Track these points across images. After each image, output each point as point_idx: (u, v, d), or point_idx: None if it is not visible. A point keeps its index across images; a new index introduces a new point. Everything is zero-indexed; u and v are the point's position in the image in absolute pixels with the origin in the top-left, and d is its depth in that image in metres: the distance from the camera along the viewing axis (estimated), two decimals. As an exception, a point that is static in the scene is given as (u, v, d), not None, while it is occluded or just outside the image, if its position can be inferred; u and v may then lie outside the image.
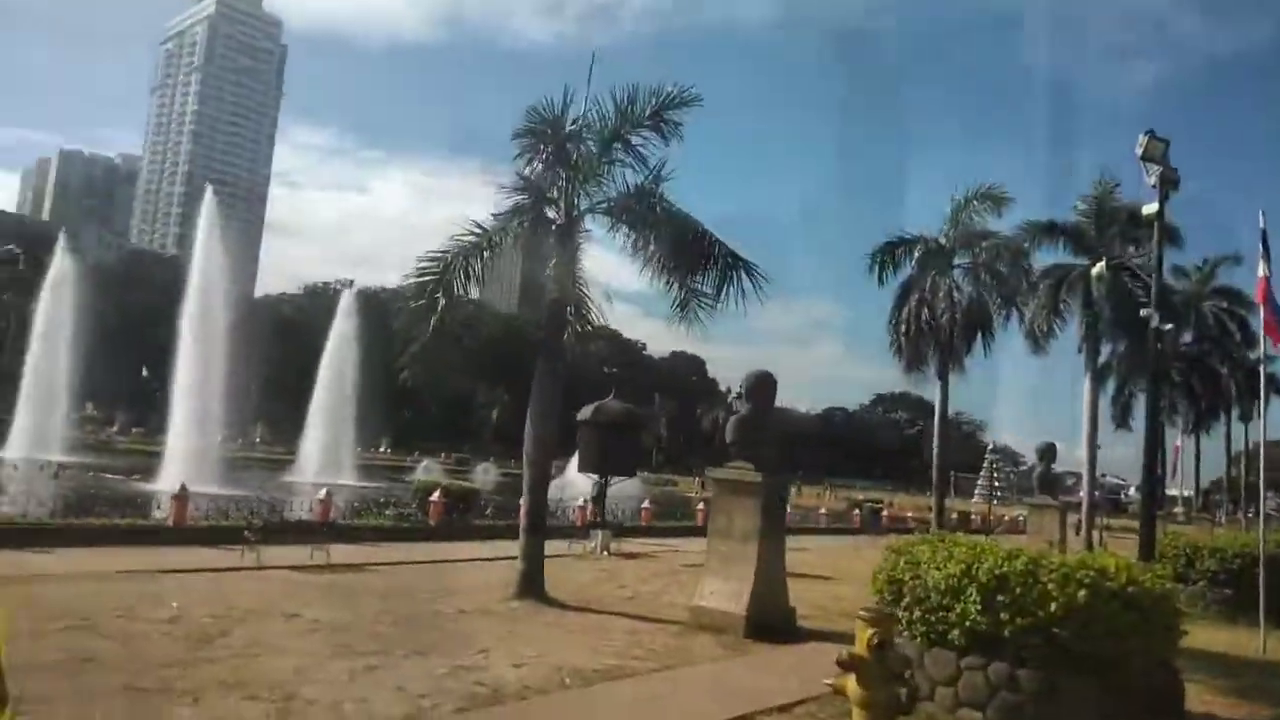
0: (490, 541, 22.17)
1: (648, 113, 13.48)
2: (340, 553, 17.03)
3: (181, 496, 18.48)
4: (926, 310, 25.06)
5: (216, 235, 38.73)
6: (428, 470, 61.91)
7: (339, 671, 8.03)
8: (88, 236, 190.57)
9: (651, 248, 13.05)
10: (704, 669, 9.19)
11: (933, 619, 7.60)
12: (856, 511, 43.34)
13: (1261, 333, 18.03)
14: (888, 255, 26.20)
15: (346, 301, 53.96)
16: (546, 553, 21.09)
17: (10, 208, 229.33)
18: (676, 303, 13.80)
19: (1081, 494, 41.02)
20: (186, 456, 34.34)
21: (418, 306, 13.62)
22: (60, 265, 50.84)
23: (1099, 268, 14.62)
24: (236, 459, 52.07)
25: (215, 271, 37.80)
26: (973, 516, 48.95)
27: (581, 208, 13.54)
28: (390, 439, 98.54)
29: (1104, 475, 45.79)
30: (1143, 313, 13.30)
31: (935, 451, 26.46)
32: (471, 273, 13.70)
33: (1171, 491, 67.16)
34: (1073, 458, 41.67)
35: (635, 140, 13.58)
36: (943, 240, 25.93)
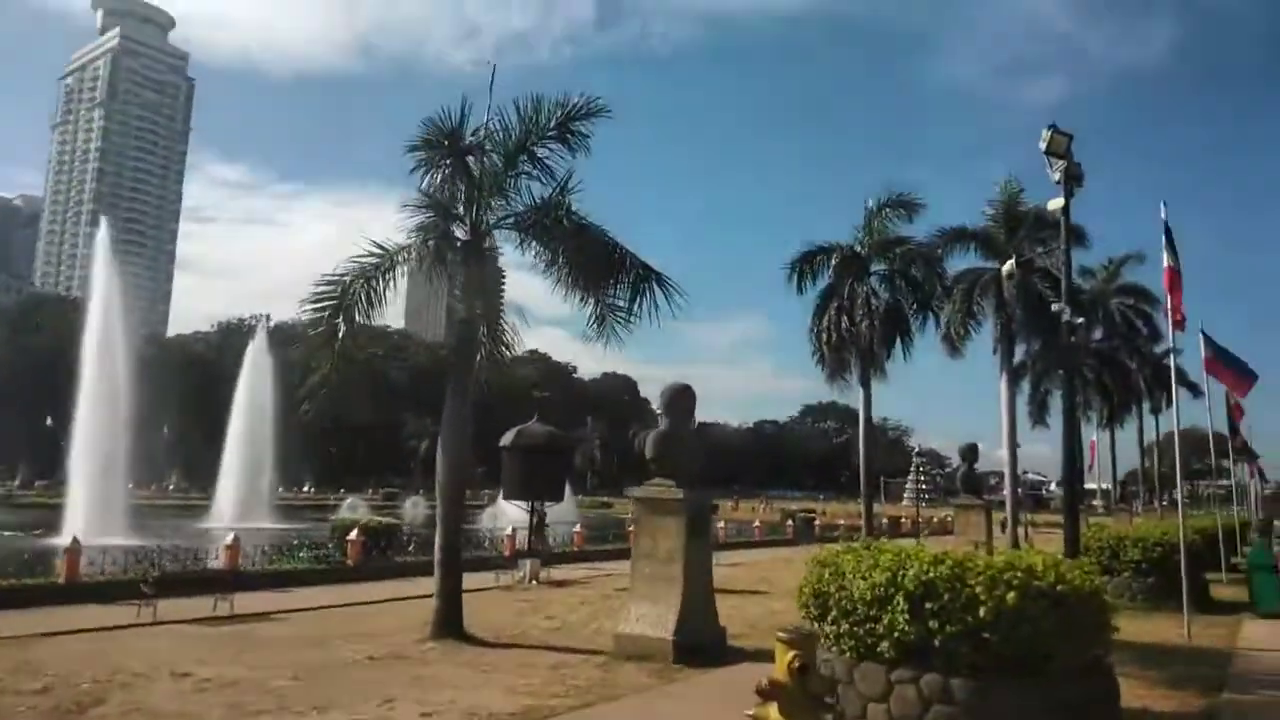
0: (413, 579, 21.26)
1: (553, 124, 13.06)
2: (248, 601, 16.07)
3: (73, 550, 17.22)
4: (846, 318, 25.09)
5: (114, 271, 36.94)
6: (353, 508, 59.94)
7: (223, 736, 7.29)
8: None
9: (561, 262, 12.59)
10: (628, 703, 8.67)
11: (860, 631, 7.24)
12: (789, 523, 43.32)
13: (1170, 324, 18.53)
14: (806, 264, 26.19)
15: (258, 338, 51.98)
16: (472, 586, 20.41)
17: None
18: (592, 318, 13.40)
19: (1005, 492, 41.91)
20: (90, 506, 32.55)
21: (316, 335, 12.89)
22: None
23: (1009, 266, 14.72)
24: (148, 507, 49.76)
25: (113, 310, 35.98)
26: (903, 520, 49.49)
27: (488, 223, 13.00)
28: (314, 477, 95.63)
29: (1025, 472, 46.90)
30: (1054, 307, 13.32)
31: (862, 458, 26.46)
32: (374, 296, 13.06)
33: (1090, 485, 69.16)
34: (994, 457, 42.54)
35: (541, 152, 13.16)
36: (858, 248, 26.03)
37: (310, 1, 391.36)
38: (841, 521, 53.83)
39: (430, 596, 17.96)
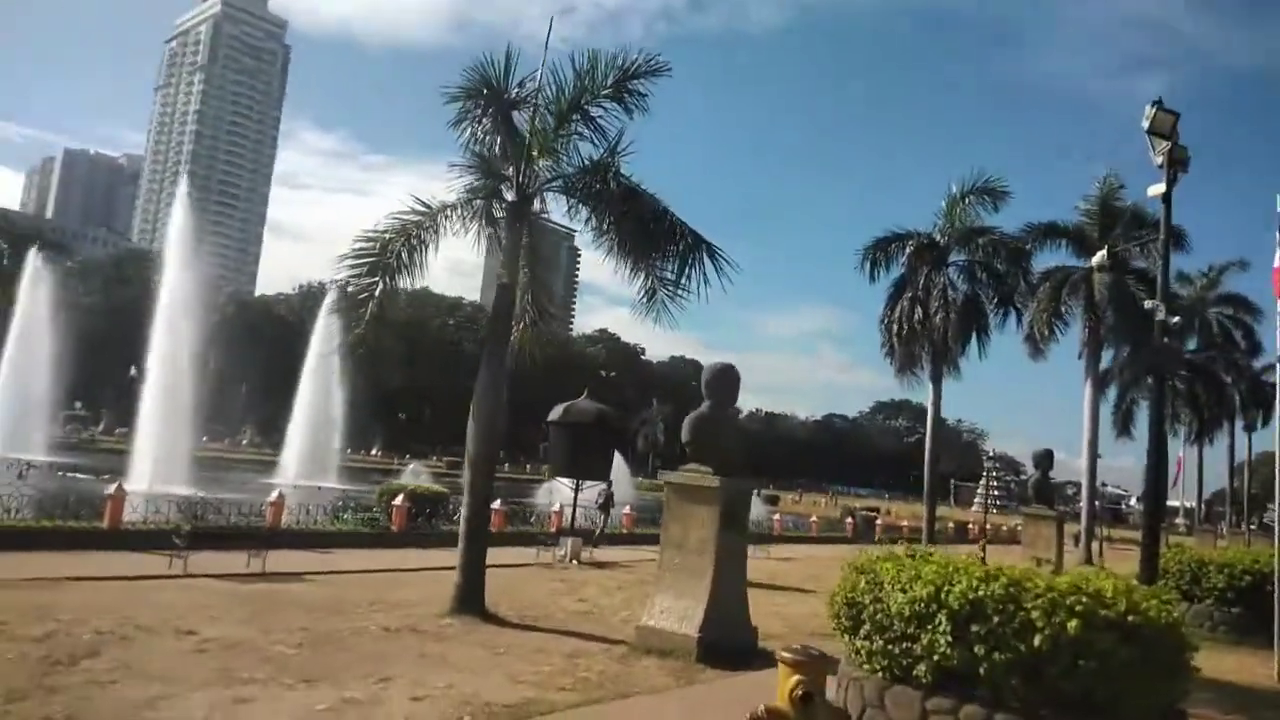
0: (455, 549, 20.99)
1: (610, 81, 12.31)
2: (284, 560, 15.90)
3: (117, 497, 17.33)
4: (919, 309, 23.84)
5: (190, 228, 37.57)
6: (415, 473, 60.55)
7: (195, 705, 6.84)
8: (85, 235, 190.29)
9: (609, 229, 11.87)
10: (638, 704, 7.97)
11: (896, 651, 6.40)
12: (850, 519, 42.01)
13: (1277, 337, 16.92)
14: (880, 251, 24.98)
15: (329, 300, 52.46)
16: (512, 561, 20.15)
17: (15, 206, 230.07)
18: (642, 290, 12.69)
19: (1081, 504, 39.86)
20: (155, 456, 33.25)
21: (352, 293, 12.44)
22: (37, 264, 49.60)
23: (1099, 256, 13.44)
24: (216, 459, 51.06)
25: (187, 266, 36.63)
26: (970, 526, 47.64)
27: (536, 185, 12.34)
28: (382, 441, 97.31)
29: (1104, 485, 44.66)
30: (1147, 304, 12.08)
31: (927, 458, 25.21)
32: (415, 256, 12.53)
33: (1173, 502, 65.86)
34: (1073, 467, 40.57)
35: (595, 112, 12.43)
36: (937, 236, 24.70)
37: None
38: (905, 523, 52.15)
39: None
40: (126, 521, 17.34)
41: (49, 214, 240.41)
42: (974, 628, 5.96)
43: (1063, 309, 35.82)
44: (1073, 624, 5.76)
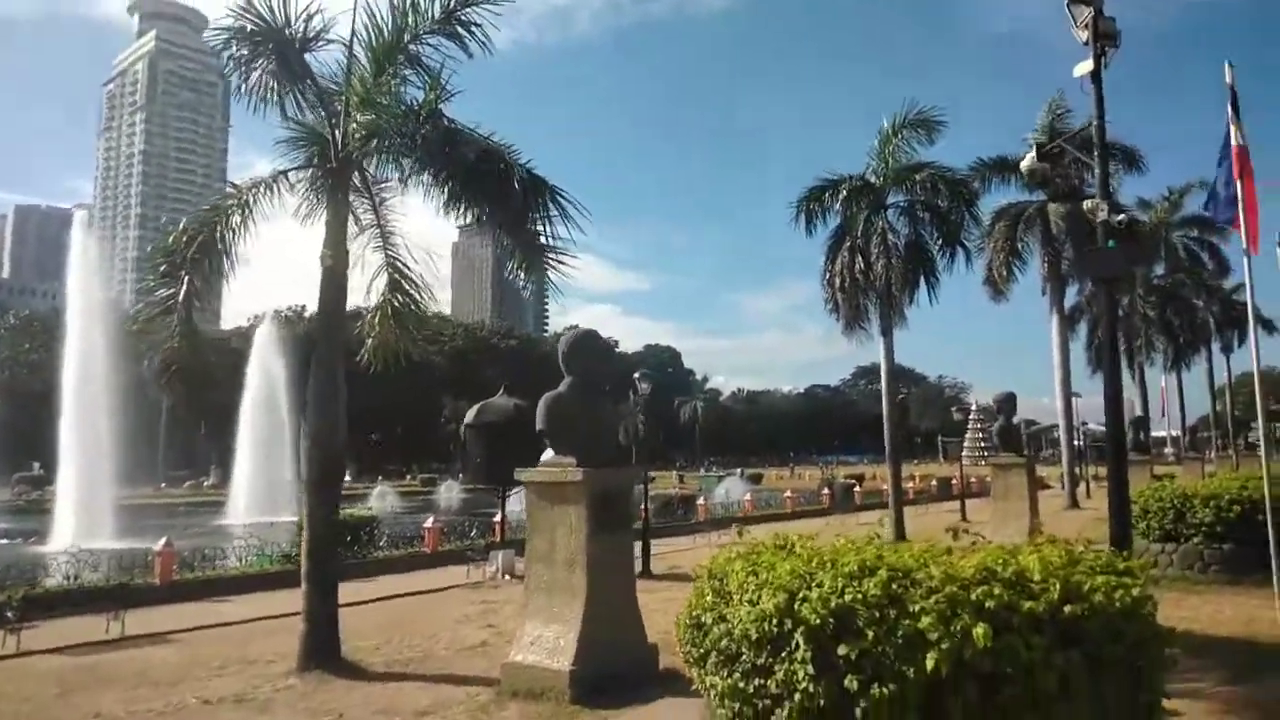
0: (377, 578, 19.08)
1: (437, 13, 10.34)
2: (156, 618, 13.93)
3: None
4: (859, 258, 22.06)
5: (93, 261, 35.20)
6: (381, 495, 58.61)
7: None
8: (37, 290, 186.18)
9: (436, 180, 9.90)
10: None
11: (749, 689, 4.51)
12: (827, 490, 40.19)
13: (1244, 244, 15.17)
14: (814, 202, 23.15)
15: (261, 336, 50.27)
16: (436, 584, 18.21)
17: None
18: (509, 254, 10.80)
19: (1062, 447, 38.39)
20: (77, 510, 31.09)
21: (160, 299, 10.43)
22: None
23: (1029, 158, 11.59)
24: (160, 506, 48.78)
25: (92, 306, 34.30)
26: (953, 481, 46.03)
27: (355, 144, 10.34)
28: (356, 466, 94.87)
29: (1084, 423, 43.15)
30: (1086, 204, 10.30)
31: (885, 415, 23.47)
32: (228, 246, 10.54)
33: (1160, 433, 64.72)
34: (1054, 409, 39.00)
35: (422, 51, 10.44)
36: (872, 177, 22.88)
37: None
38: (886, 486, 50.63)
39: (374, 601, 15.95)
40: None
41: (4, 273, 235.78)
42: (842, 650, 4.07)
43: (1019, 246, 34.27)
44: (980, 630, 3.89)
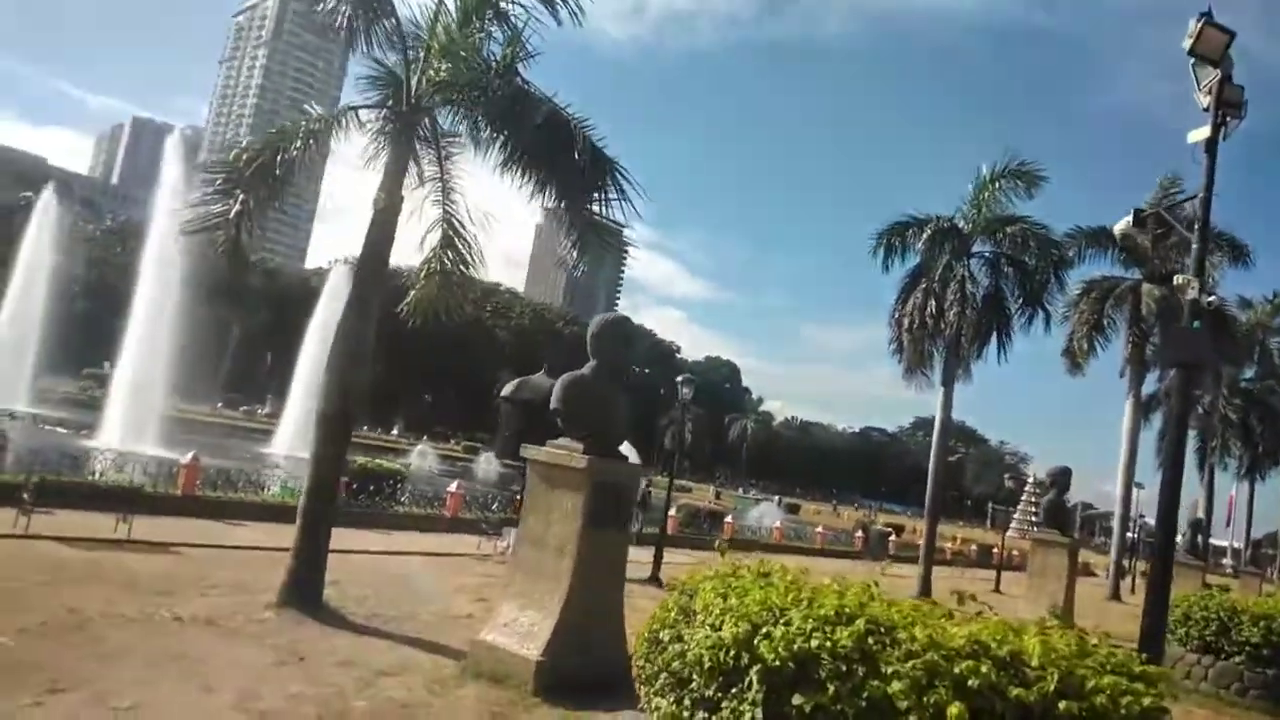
0: (391, 533, 19.03)
1: (527, -32, 10.07)
2: (164, 528, 14.01)
3: (-2, 446, 15.57)
4: (933, 302, 21.26)
5: (179, 181, 36.04)
6: (422, 454, 59.20)
7: None
8: (143, 199, 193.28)
9: (505, 134, 9.63)
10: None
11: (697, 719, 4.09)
12: (861, 533, 39.12)
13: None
14: (896, 237, 22.41)
15: (335, 277, 50.99)
16: (448, 550, 18.07)
17: (84, 170, 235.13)
18: (565, 228, 10.52)
19: (1115, 536, 36.68)
20: (127, 415, 31.89)
21: (213, 213, 10.38)
22: (41, 219, 48.51)
23: (1124, 222, 10.81)
24: (215, 424, 49.89)
25: (175, 222, 35.05)
26: (994, 549, 44.48)
27: (429, 93, 10.14)
28: (405, 422, 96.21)
29: (1142, 516, 41.24)
30: (1178, 279, 9.58)
31: (931, 469, 22.57)
32: (288, 172, 10.45)
33: (1221, 542, 61.72)
34: (1111, 495, 37.34)
35: (512, 9, 10.19)
36: (960, 222, 22.06)
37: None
38: (948, 545, 49.32)
39: (379, 554, 15.85)
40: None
41: (115, 179, 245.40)
42: (797, 699, 3.63)
43: (1105, 322, 32.84)
44: (955, 710, 3.41)
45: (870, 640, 3.72)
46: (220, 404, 74.49)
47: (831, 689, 3.57)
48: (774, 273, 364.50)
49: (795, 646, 3.69)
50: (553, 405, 8.17)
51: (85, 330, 66.53)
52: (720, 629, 4.01)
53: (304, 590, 9.46)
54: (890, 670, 3.56)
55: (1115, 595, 31.07)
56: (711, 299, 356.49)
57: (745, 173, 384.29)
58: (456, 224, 11.96)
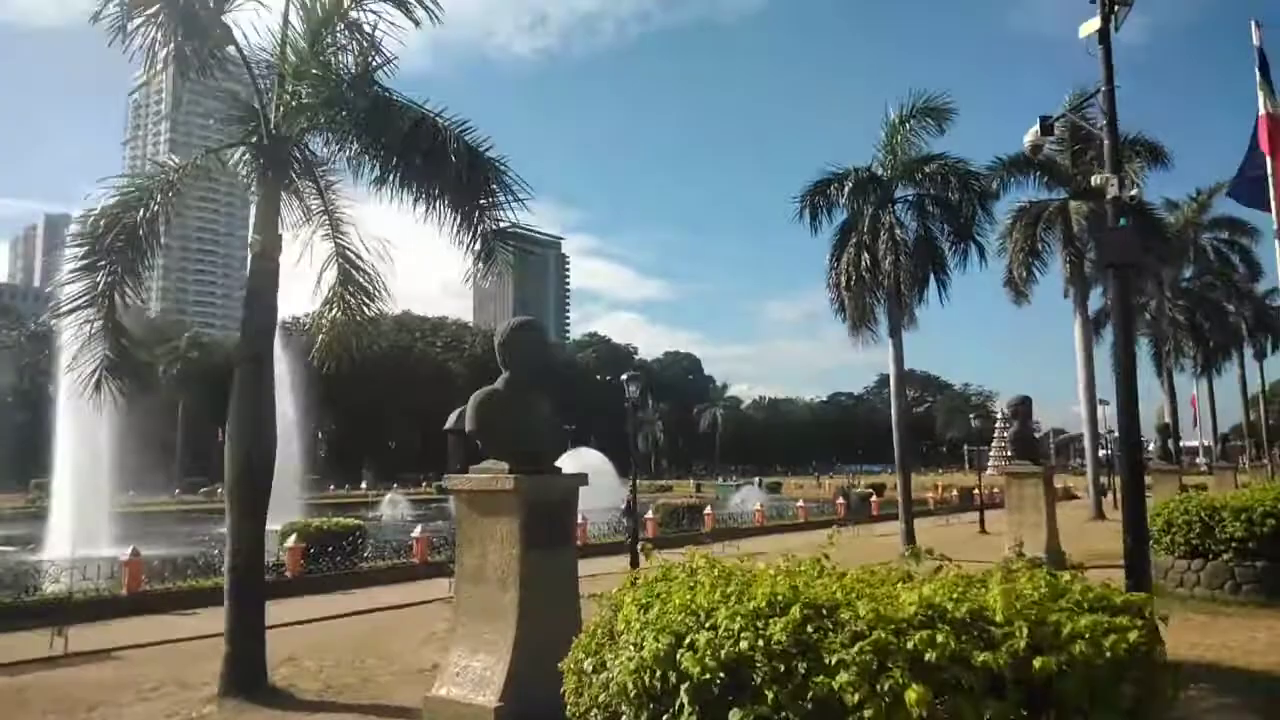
0: (353, 591, 18.21)
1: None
2: (113, 632, 13.21)
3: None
4: (866, 255, 20.96)
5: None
6: (393, 502, 57.98)
7: None
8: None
9: (371, 149, 8.97)
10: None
11: (631, 758, 3.50)
12: (841, 499, 38.87)
13: (1276, 226, 13.97)
14: (818, 196, 22.10)
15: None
16: (420, 597, 17.24)
17: (3, 278, 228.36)
18: (462, 238, 9.86)
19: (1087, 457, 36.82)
20: (74, 518, 30.57)
21: (79, 288, 9.59)
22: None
23: (1031, 133, 10.42)
24: (176, 512, 48.35)
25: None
26: (975, 491, 44.56)
27: (290, 120, 9.45)
28: (373, 473, 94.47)
29: (1111, 431, 41.51)
30: (1094, 179, 9.20)
31: (894, 422, 22.26)
32: (155, 232, 9.71)
33: (1192, 443, 62.71)
34: (1078, 417, 37.52)
35: (363, 17, 9.50)
36: (879, 169, 21.80)
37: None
38: (929, 495, 49.46)
39: (342, 617, 15.07)
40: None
41: (36, 281, 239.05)
42: (735, 714, 3.07)
43: (1039, 246, 32.93)
44: (914, 694, 2.87)
45: (809, 629, 3.17)
46: (178, 490, 72.42)
47: (771, 694, 3.01)
48: (717, 259, 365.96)
49: (723, 652, 3.14)
50: (467, 427, 7.55)
51: (26, 440, 64.36)
52: (643, 646, 3.43)
53: (245, 675, 8.73)
54: (834, 660, 3.01)
55: (1099, 514, 31.17)
56: (663, 297, 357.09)
57: (675, 164, 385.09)
58: (352, 256, 11.31)
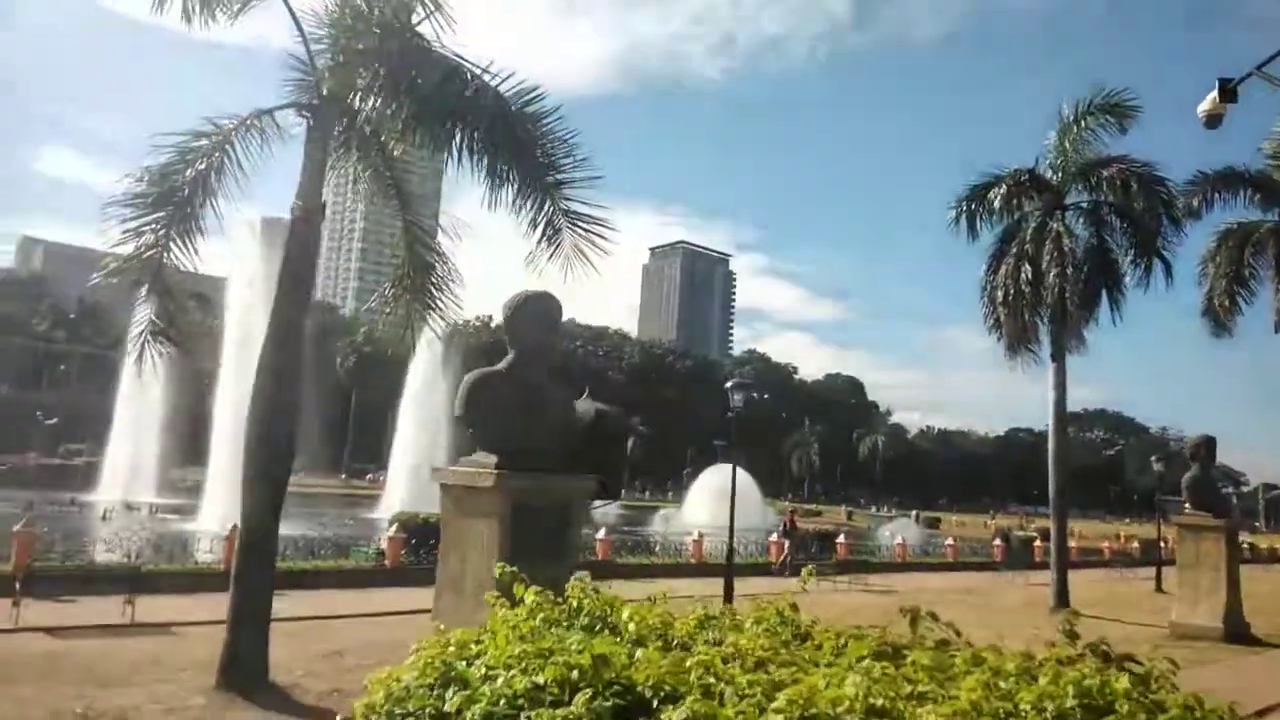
0: (388, 589, 17.59)
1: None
2: (201, 606, 13.10)
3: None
4: (1027, 265, 18.60)
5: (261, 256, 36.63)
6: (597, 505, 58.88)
7: None
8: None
9: (404, 99, 8.14)
10: None
11: None
12: (999, 542, 35.39)
13: None
14: (975, 201, 19.85)
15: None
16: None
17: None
18: (532, 220, 8.96)
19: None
20: (225, 493, 32.20)
21: (132, 251, 9.29)
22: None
23: (1209, 100, 8.24)
24: (320, 495, 50.60)
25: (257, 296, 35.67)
26: (1159, 543, 39.74)
27: (347, 81, 8.81)
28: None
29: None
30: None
31: (1051, 459, 19.64)
32: (203, 189, 9.29)
33: None
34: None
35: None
36: (1047, 172, 19.37)
37: (581, 28, 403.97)
38: (1105, 544, 45.07)
39: (372, 616, 14.28)
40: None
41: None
42: None
43: (1246, 273, 28.74)
44: None
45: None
46: (344, 475, 76.45)
47: None
48: (895, 281, 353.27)
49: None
50: (456, 412, 6.49)
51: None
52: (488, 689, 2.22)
53: (244, 668, 8.06)
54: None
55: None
56: (836, 318, 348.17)
57: (858, 185, 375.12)
58: (422, 234, 10.63)
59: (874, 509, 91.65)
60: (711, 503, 49.99)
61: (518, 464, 6.24)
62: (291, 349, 8.65)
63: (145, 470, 46.28)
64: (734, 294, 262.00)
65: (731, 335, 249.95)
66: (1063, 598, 18.28)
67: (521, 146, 7.95)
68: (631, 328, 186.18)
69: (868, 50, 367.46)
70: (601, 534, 23.34)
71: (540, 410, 6.49)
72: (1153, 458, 46.87)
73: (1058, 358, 19.05)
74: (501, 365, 6.64)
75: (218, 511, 31.37)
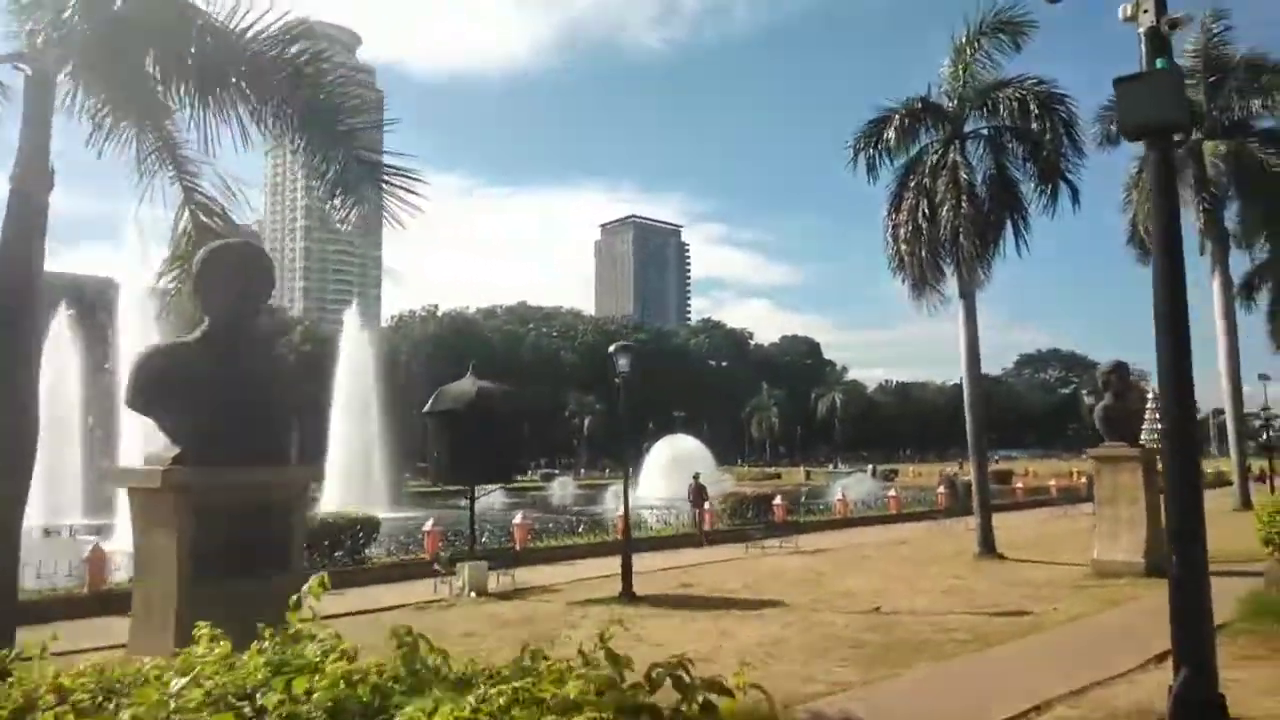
0: (345, 592, 16.34)
1: None
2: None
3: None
4: (925, 200, 17.68)
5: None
6: (562, 485, 59.42)
7: None
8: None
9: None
10: None
11: None
12: (943, 489, 34.69)
13: None
14: (874, 138, 18.86)
15: (348, 325, 49.70)
16: (392, 601, 15.29)
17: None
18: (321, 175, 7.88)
19: (1231, 438, 31.50)
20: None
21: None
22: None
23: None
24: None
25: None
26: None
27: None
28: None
29: (1266, 409, 35.90)
30: (1124, 9, 6.05)
31: (966, 401, 18.86)
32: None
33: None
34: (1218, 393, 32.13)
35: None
36: (943, 100, 18.43)
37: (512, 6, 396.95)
38: (1052, 483, 44.99)
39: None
40: None
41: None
42: None
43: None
44: None
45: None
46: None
47: None
48: (851, 240, 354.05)
49: None
50: (125, 398, 5.29)
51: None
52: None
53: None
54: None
55: (1245, 504, 26.34)
56: (794, 283, 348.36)
57: (808, 149, 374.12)
58: (206, 202, 9.35)
59: (832, 466, 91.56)
60: (664, 475, 49.12)
61: (210, 456, 5.08)
62: (22, 348, 7.33)
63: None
64: (689, 264, 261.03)
65: (689, 306, 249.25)
66: (988, 544, 17.57)
67: (291, 87, 6.76)
68: (589, 306, 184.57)
69: (809, 8, 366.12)
70: (518, 518, 22.22)
71: (238, 386, 5.30)
72: (1084, 392, 46.56)
73: (965, 295, 18.21)
74: (192, 335, 5.46)
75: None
